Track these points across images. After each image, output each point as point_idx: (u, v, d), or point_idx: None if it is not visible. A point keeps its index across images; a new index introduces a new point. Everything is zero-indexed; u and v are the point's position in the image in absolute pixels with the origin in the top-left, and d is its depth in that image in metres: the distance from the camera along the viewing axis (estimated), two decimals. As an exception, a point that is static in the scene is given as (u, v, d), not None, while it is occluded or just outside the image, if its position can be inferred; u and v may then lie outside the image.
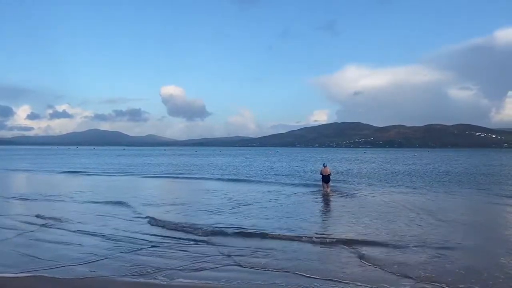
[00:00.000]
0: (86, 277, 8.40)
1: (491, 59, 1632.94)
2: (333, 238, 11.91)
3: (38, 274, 8.54)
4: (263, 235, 12.39)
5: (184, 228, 13.35)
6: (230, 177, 37.42)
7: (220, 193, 23.92)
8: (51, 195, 22.56)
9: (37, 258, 9.81)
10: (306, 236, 12.13)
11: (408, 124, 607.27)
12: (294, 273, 8.82)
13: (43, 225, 14.01)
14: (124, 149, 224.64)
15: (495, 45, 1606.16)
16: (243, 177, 36.57)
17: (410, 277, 8.54)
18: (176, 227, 13.59)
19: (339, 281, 8.29)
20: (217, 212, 16.68)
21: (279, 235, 12.38)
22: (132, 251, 10.49)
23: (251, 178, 35.40)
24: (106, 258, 9.84)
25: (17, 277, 8.40)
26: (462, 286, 8.07)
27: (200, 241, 11.74)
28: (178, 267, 9.13)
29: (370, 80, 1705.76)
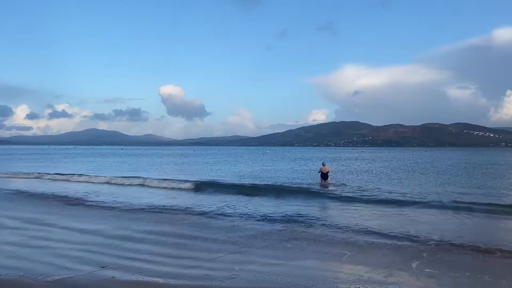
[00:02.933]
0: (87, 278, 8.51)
1: (490, 59, 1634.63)
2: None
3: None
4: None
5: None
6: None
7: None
8: None
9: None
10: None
11: (406, 123, 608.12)
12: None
13: None
14: (122, 149, 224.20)
15: (493, 45, 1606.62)
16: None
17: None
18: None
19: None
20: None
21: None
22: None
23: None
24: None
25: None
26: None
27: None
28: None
29: (368, 80, 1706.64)
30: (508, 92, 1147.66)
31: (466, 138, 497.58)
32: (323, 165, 28.60)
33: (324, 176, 27.74)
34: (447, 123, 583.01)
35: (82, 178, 33.06)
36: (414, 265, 9.39)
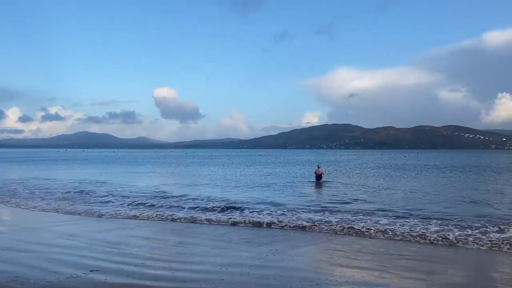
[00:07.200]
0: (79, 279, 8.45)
1: (481, 62, 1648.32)
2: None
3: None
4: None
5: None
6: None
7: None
8: None
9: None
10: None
11: (398, 126, 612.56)
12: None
13: None
14: (114, 152, 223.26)
15: (484, 48, 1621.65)
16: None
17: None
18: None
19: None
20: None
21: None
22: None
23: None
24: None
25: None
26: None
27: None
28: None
29: (360, 82, 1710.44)
30: (499, 94, 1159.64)
31: (457, 140, 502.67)
32: (318, 167, 32.53)
33: (318, 177, 31.18)
34: (438, 126, 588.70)
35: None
36: (403, 266, 9.55)
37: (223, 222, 15.53)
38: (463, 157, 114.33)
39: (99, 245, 11.68)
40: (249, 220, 15.48)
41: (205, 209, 18.36)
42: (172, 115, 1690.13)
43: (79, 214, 17.83)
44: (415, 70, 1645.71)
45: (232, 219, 15.75)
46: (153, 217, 16.75)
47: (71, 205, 20.32)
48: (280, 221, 15.15)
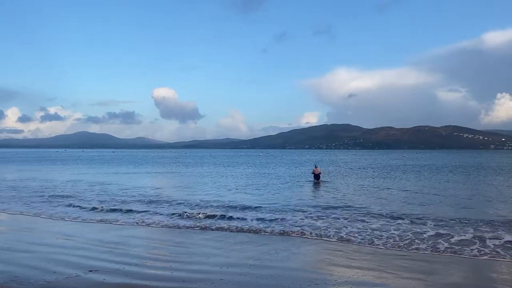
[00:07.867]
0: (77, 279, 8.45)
1: (480, 62, 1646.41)
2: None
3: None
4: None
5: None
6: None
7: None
8: None
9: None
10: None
11: (397, 126, 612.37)
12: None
13: None
14: (113, 152, 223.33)
15: (483, 48, 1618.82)
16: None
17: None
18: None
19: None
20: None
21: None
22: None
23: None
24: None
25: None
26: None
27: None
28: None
29: (360, 83, 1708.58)
30: (498, 95, 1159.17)
31: (456, 140, 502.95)
32: (316, 167, 32.74)
33: (317, 176, 31.51)
34: (437, 126, 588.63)
35: None
36: (402, 266, 9.55)
37: (216, 227, 14.76)
38: (462, 158, 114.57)
39: (98, 245, 11.66)
40: (244, 226, 14.84)
41: (198, 214, 17.19)
42: (171, 115, 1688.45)
43: (52, 218, 16.84)
44: (414, 70, 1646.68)
45: (227, 224, 15.17)
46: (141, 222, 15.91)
47: (54, 207, 19.62)
48: (271, 226, 14.70)
